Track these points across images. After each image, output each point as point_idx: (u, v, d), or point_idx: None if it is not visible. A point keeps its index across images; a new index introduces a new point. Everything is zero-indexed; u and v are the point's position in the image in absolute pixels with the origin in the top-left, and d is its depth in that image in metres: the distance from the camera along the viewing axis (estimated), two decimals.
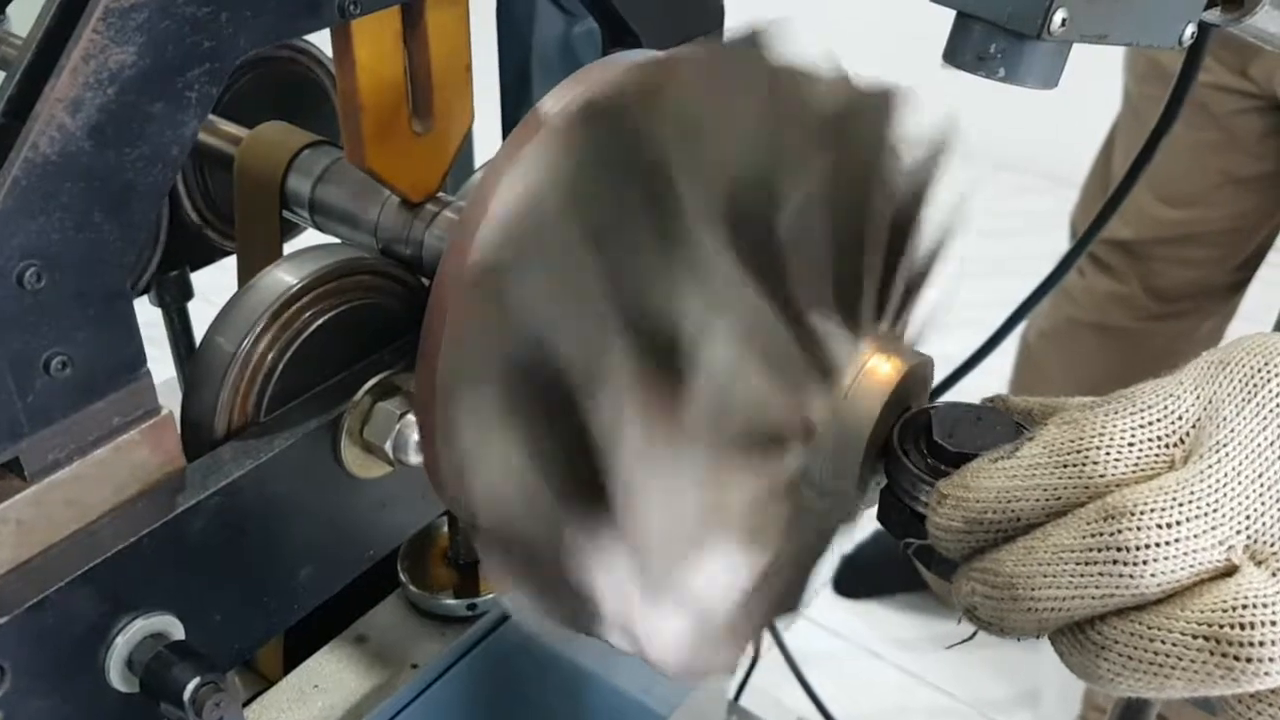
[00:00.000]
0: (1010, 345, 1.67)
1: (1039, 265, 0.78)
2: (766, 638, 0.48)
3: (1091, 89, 1.70)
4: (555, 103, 0.46)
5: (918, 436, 0.44)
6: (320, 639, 0.63)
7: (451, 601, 0.63)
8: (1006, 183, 3.16)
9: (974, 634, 0.40)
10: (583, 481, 0.39)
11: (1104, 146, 1.55)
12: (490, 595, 0.64)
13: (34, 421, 0.42)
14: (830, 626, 1.83)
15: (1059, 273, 0.68)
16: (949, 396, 0.63)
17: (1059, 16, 0.35)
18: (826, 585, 1.88)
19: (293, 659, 0.62)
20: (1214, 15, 0.47)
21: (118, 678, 0.45)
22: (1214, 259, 1.45)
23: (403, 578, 0.64)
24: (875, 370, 0.44)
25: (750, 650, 0.48)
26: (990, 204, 3.07)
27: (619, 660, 0.76)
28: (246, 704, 0.59)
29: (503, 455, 0.40)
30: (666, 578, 0.41)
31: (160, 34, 0.40)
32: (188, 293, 0.78)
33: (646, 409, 0.39)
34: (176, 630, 0.46)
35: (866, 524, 0.45)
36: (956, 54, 0.37)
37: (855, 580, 1.86)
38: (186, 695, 0.43)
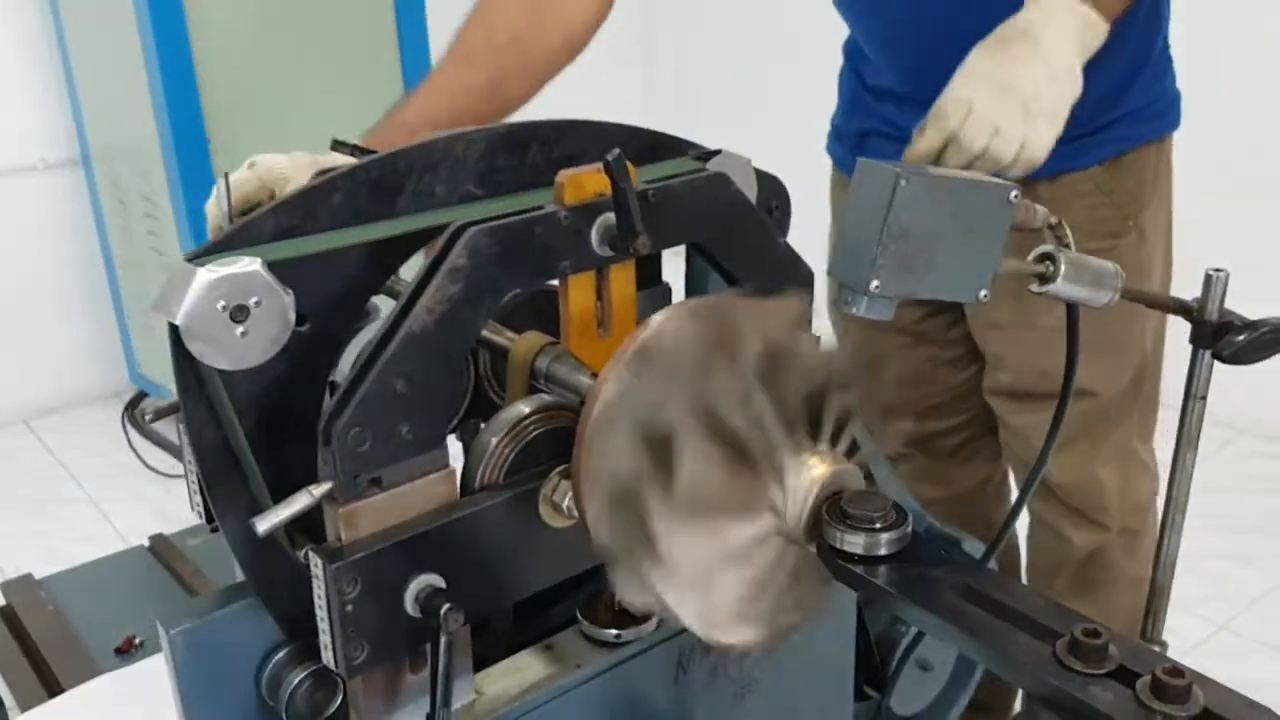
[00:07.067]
0: None
1: None
2: None
3: None
4: (657, 317, 0.86)
5: (836, 509, 0.79)
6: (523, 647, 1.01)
7: (605, 630, 1.00)
8: None
9: None
10: (664, 473, 0.78)
11: None
12: (632, 629, 1.00)
13: (393, 458, 0.85)
14: None
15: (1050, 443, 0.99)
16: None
17: (874, 283, 0.71)
18: None
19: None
20: (1034, 285, 0.81)
21: (410, 605, 0.85)
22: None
23: (577, 613, 1.02)
24: (814, 469, 0.80)
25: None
26: None
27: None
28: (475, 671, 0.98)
29: (628, 444, 0.80)
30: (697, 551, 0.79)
31: (471, 281, 0.85)
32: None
33: (709, 457, 0.77)
34: (440, 584, 0.86)
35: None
36: (833, 299, 0.74)
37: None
38: (442, 613, 0.83)
